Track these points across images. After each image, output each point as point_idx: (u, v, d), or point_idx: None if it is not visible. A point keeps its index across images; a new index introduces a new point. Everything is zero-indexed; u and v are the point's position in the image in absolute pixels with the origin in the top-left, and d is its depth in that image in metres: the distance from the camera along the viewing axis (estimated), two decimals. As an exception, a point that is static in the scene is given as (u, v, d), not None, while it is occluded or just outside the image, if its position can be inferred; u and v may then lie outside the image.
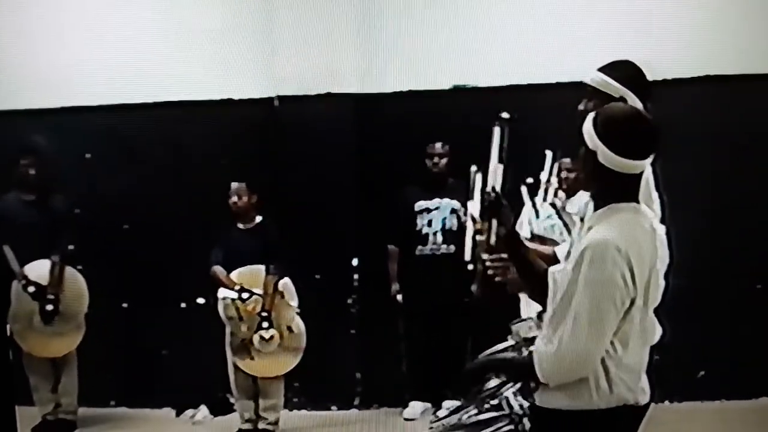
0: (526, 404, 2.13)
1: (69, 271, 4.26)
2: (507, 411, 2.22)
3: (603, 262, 1.63)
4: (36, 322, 4.15)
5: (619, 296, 1.63)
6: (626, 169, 1.70)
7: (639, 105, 2.05)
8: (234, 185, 4.11)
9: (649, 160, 1.74)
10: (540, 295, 1.81)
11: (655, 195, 2.10)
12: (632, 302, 1.66)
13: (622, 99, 2.07)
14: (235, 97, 4.55)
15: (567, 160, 3.94)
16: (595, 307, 1.63)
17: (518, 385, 2.20)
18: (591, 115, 1.74)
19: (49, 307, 4.14)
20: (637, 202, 1.76)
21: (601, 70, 2.17)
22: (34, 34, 4.56)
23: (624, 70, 2.14)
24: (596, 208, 1.76)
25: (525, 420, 2.19)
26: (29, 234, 4.08)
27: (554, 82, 4.19)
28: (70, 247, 4.29)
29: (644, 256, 1.69)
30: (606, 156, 1.68)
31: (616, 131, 1.69)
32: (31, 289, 4.12)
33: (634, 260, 1.65)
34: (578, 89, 2.24)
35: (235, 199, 4.10)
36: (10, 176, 4.19)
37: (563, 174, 4.00)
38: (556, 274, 1.77)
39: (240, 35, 4.46)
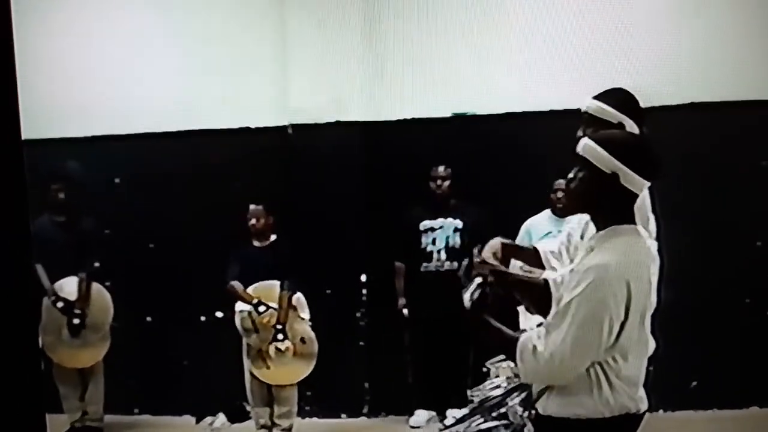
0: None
1: (95, 286, 4.24)
2: (511, 420, 2.15)
3: (601, 285, 1.60)
4: (64, 335, 4.13)
5: (608, 320, 1.60)
6: (640, 190, 1.68)
7: (636, 130, 2.02)
8: (252, 207, 4.08)
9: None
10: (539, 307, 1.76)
11: (651, 215, 2.06)
12: (623, 324, 1.62)
13: (620, 125, 2.03)
14: (252, 126, 4.56)
15: (561, 182, 3.89)
16: (585, 327, 1.60)
17: (523, 395, 2.13)
18: (587, 141, 1.70)
19: (76, 321, 4.12)
20: (635, 223, 1.72)
21: (597, 98, 2.14)
22: (67, 69, 4.59)
23: (619, 98, 2.11)
24: (597, 230, 1.71)
25: (526, 429, 2.11)
26: (59, 253, 4.06)
27: (548, 110, 4.17)
28: (97, 264, 4.29)
29: (643, 277, 1.67)
30: (628, 178, 1.64)
31: (638, 154, 1.67)
32: (60, 304, 4.11)
33: (634, 284, 1.63)
34: (572, 116, 2.20)
35: (254, 221, 4.06)
36: (44, 200, 4.18)
37: (559, 194, 3.96)
38: (557, 278, 1.73)
39: (258, 71, 4.50)
